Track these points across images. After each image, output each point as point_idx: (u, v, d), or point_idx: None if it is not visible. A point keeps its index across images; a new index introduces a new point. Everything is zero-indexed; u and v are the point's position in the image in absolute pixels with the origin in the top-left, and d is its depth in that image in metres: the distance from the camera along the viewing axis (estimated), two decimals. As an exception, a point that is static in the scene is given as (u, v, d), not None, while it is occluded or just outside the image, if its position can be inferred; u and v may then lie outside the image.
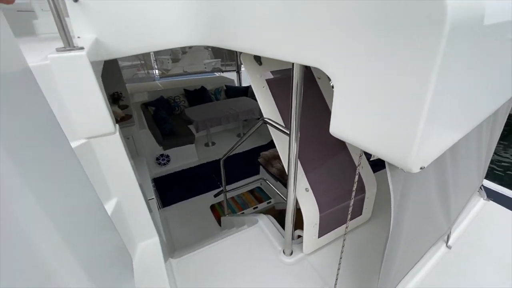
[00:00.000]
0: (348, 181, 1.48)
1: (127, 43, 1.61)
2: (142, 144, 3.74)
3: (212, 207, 3.33)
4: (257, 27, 0.92)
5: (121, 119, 3.77)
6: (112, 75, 4.48)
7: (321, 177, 1.40)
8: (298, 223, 1.45)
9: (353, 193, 0.91)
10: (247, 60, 1.45)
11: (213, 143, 4.84)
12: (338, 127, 0.71)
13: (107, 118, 0.97)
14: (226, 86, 5.59)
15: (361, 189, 1.48)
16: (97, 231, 0.48)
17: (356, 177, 0.88)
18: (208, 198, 3.46)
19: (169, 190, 3.65)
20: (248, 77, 1.49)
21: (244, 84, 6.02)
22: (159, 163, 4.05)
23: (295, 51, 0.77)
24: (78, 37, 1.48)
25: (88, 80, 0.90)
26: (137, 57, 7.82)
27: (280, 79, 1.54)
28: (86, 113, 0.93)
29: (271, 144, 3.86)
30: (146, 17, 1.54)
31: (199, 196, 3.55)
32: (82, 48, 0.93)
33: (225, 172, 2.46)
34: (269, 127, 1.33)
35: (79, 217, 0.43)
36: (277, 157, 3.01)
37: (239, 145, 1.85)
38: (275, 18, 0.79)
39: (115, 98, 4.23)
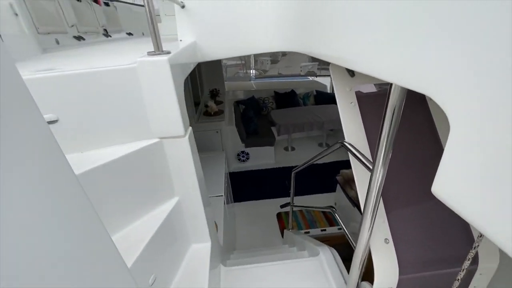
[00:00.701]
0: (450, 242, 1.09)
1: (222, 47, 1.68)
2: (228, 138, 4.00)
3: (279, 216, 3.24)
4: (349, 36, 0.74)
5: (214, 114, 4.13)
6: (214, 73, 4.98)
7: (408, 228, 1.07)
8: (368, 273, 1.17)
9: (466, 263, 0.62)
10: (335, 69, 1.25)
11: (293, 149, 4.72)
12: (445, 188, 0.47)
13: (179, 121, 1.00)
14: (316, 91, 5.35)
15: (473, 259, 1.06)
16: (100, 273, 0.43)
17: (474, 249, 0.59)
18: (277, 204, 3.39)
19: (243, 187, 3.77)
20: (334, 90, 1.29)
21: (337, 91, 5.63)
22: (239, 159, 4.24)
23: (395, 69, 0.56)
24: (180, 40, 1.63)
25: (166, 84, 0.93)
26: (239, 57, 8.49)
27: (376, 96, 1.27)
28: (161, 114, 0.98)
29: (355, 162, 3.44)
30: (243, 22, 1.56)
31: (270, 199, 3.52)
32: (168, 53, 0.97)
33: (296, 183, 2.31)
34: (350, 154, 1.11)
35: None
36: (359, 179, 2.63)
37: (312, 162, 1.67)
38: (372, 25, 0.60)
39: (213, 94, 4.68)
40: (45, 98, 0.84)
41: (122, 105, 0.94)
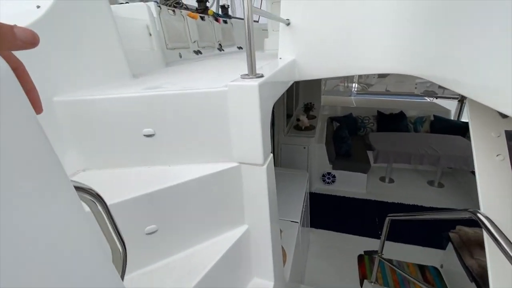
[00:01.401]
0: None
1: (324, 66, 1.54)
2: (315, 156, 3.78)
3: (360, 258, 2.78)
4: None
5: (305, 128, 4.00)
6: (312, 86, 4.85)
7: None
8: None
9: None
10: (474, 106, 0.91)
11: (391, 180, 4.03)
12: None
13: (259, 149, 0.92)
14: (434, 116, 4.40)
15: None
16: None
17: None
18: (360, 242, 2.93)
19: (323, 211, 3.47)
20: (470, 131, 0.94)
21: (464, 119, 4.46)
22: (324, 180, 3.95)
23: None
24: (280, 58, 1.59)
25: (252, 110, 0.87)
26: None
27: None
28: (243, 139, 0.93)
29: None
30: (351, 41, 1.39)
31: (353, 236, 3.09)
32: (261, 77, 0.92)
33: (389, 231, 1.90)
34: (484, 232, 0.76)
35: None
36: (483, 246, 1.92)
37: (417, 217, 1.29)
38: None
39: (307, 108, 4.56)
40: (148, 113, 0.92)
41: (210, 125, 0.94)
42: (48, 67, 0.90)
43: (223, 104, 0.90)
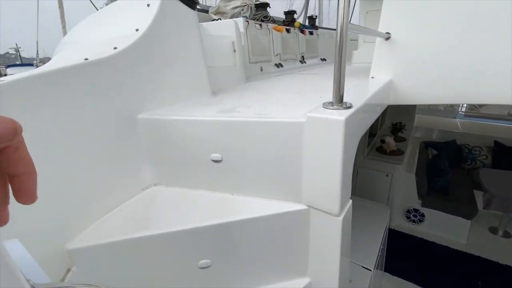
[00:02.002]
0: None
1: (430, 90, 1.23)
2: (399, 187, 3.22)
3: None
4: None
5: (390, 152, 3.46)
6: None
7: None
8: None
9: None
10: None
11: (507, 234, 3.06)
12: None
13: (336, 196, 0.75)
14: None
15: None
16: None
17: None
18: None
19: (403, 255, 2.89)
20: None
21: None
22: (408, 217, 3.31)
23: None
24: (372, 77, 1.35)
25: (334, 149, 0.71)
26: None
27: None
28: (317, 181, 0.78)
29: None
30: (471, 62, 1.06)
31: (440, 294, 2.45)
32: (349, 107, 0.75)
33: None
34: None
35: None
36: None
37: None
38: None
39: (395, 128, 3.96)
40: (218, 138, 0.88)
41: (280, 158, 0.82)
42: (138, 85, 0.96)
43: (298, 136, 0.77)
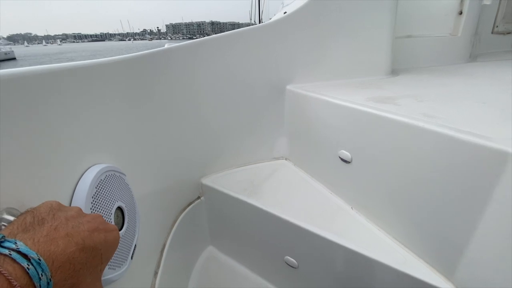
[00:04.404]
0: None
1: None
2: None
3: None
4: None
5: None
6: None
7: None
8: None
9: None
10: None
11: None
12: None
13: None
14: None
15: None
16: None
17: None
18: None
19: None
20: None
21: None
22: None
23: None
24: None
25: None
26: None
27: None
28: (497, 261, 0.41)
29: None
30: None
31: None
32: None
33: None
34: None
35: None
36: None
37: None
38: None
39: None
40: (350, 132, 0.67)
41: (440, 198, 0.50)
42: (293, 55, 0.89)
43: (488, 175, 0.42)
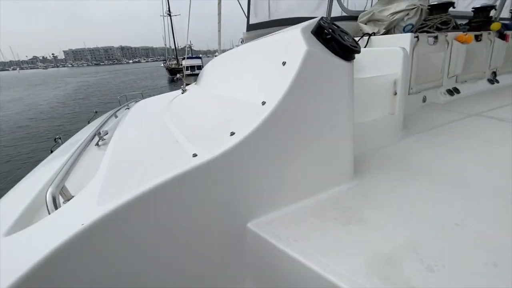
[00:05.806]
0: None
1: None
2: None
3: None
4: None
5: None
6: None
7: None
8: None
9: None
10: None
11: None
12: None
13: None
14: None
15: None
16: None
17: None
18: None
19: None
20: None
21: None
22: None
23: None
24: None
25: None
26: None
27: None
28: None
29: None
30: None
31: None
32: None
33: None
34: None
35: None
36: None
37: None
38: None
39: None
40: None
41: None
42: (251, 183, 0.67)
43: None
